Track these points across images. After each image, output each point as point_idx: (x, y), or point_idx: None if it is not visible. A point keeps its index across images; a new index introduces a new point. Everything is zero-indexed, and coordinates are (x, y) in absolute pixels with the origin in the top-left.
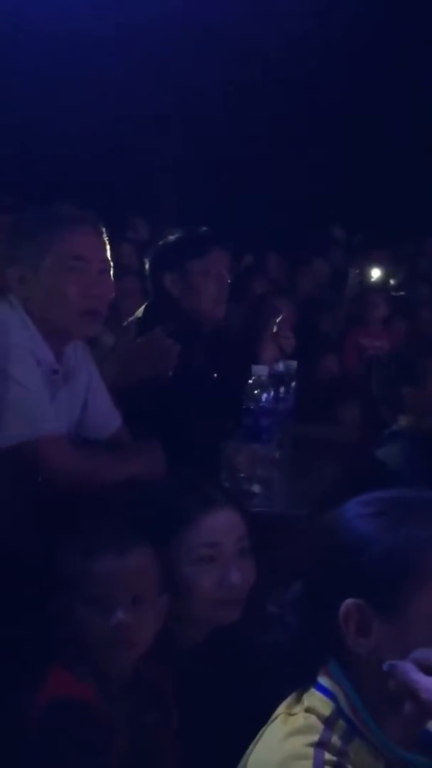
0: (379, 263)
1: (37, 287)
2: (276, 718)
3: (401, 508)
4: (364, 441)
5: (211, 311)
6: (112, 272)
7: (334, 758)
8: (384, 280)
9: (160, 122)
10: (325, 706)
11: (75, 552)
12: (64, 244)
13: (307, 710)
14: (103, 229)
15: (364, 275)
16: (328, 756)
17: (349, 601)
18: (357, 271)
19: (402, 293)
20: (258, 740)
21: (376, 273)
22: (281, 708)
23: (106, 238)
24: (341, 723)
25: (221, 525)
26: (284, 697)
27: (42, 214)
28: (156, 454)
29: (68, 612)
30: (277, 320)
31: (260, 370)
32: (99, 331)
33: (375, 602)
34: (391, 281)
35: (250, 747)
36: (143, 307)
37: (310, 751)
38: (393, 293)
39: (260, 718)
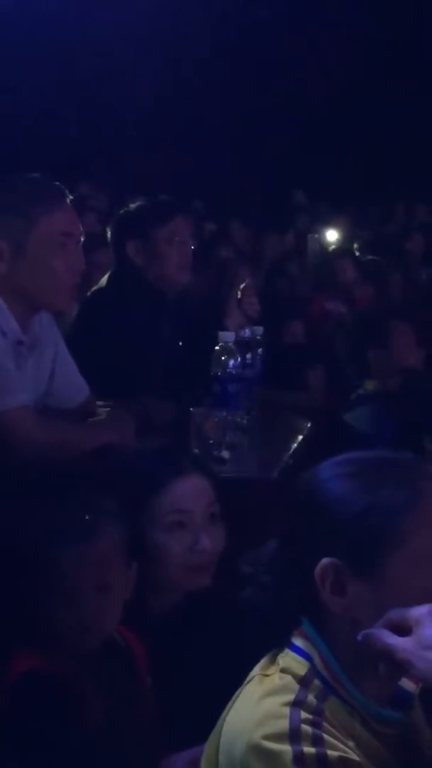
0: (341, 227)
1: (22, 262)
2: (251, 679)
3: (378, 469)
4: (332, 405)
5: (175, 278)
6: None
7: (310, 716)
8: (347, 244)
9: (124, 90)
10: (299, 666)
11: (39, 539)
12: (53, 219)
13: (282, 671)
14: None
15: (325, 239)
16: (304, 714)
17: (325, 560)
18: (316, 235)
19: (371, 257)
20: (234, 701)
21: (333, 236)
22: (256, 669)
23: None
24: (316, 682)
25: (191, 491)
26: (259, 659)
27: (23, 186)
28: (125, 423)
29: (34, 600)
30: (241, 287)
31: (226, 337)
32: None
33: (351, 562)
34: (354, 245)
35: (227, 708)
36: (106, 276)
37: (286, 710)
38: (361, 257)
39: (236, 680)
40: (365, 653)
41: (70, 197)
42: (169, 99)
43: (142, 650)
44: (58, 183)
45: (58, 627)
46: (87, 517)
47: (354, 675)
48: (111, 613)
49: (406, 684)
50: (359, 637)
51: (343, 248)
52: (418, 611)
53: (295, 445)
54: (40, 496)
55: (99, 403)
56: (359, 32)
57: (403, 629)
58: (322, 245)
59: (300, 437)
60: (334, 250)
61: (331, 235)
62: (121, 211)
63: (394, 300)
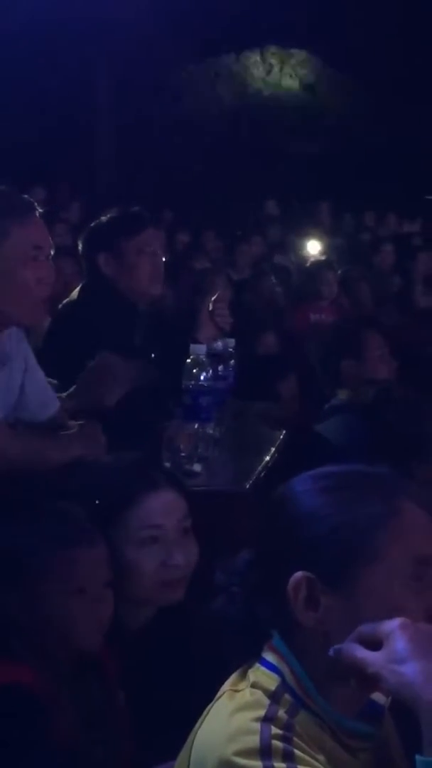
0: (315, 237)
1: None
2: (222, 695)
3: (352, 483)
4: (304, 416)
5: (147, 290)
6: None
7: (281, 732)
8: (323, 254)
9: (95, 102)
10: (270, 681)
11: (16, 545)
12: (24, 232)
13: (253, 686)
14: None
15: (300, 251)
16: (275, 730)
17: (298, 573)
18: (289, 243)
19: (346, 268)
20: (205, 717)
21: (308, 246)
22: (227, 685)
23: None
24: (287, 697)
25: (163, 506)
26: (230, 674)
27: None
28: (96, 436)
29: (9, 606)
30: (213, 298)
31: (198, 349)
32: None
33: (324, 576)
34: (321, 254)
35: (197, 724)
36: (78, 288)
37: (257, 726)
38: (336, 267)
39: (207, 695)
40: (336, 667)
41: (40, 210)
42: (142, 111)
43: (114, 664)
44: (23, 196)
45: (35, 634)
46: (67, 527)
47: (324, 688)
48: (88, 622)
49: (377, 697)
50: (330, 652)
51: (325, 260)
52: (389, 625)
53: (268, 456)
54: (17, 505)
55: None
56: (340, 42)
57: (374, 643)
58: (295, 258)
59: (272, 449)
60: (314, 261)
61: (312, 247)
62: (92, 223)
63: (368, 311)
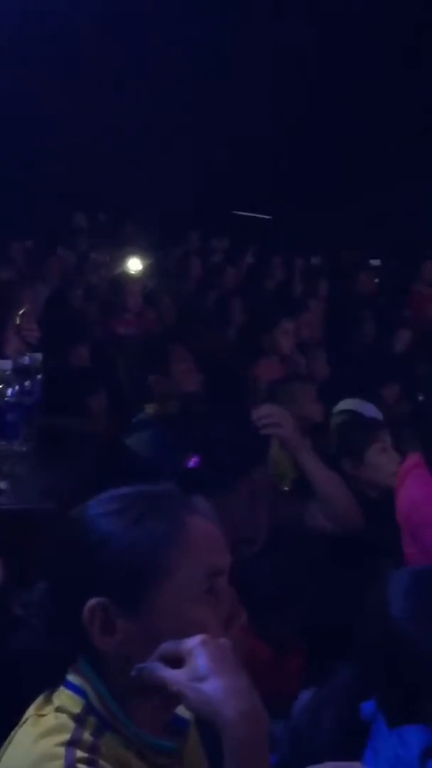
0: (127, 251)
1: None
2: (26, 720)
3: (140, 504)
4: (114, 430)
5: None
6: None
7: (86, 755)
8: (129, 267)
9: None
10: (75, 704)
11: None
12: None
13: (58, 709)
14: None
15: (110, 262)
16: (79, 754)
17: (91, 601)
18: (98, 255)
19: (153, 282)
20: (8, 744)
21: (133, 264)
22: (31, 710)
23: None
24: (92, 719)
25: None
26: (34, 699)
27: None
28: None
29: None
30: (20, 312)
31: (3, 365)
32: None
33: (118, 600)
34: (131, 268)
35: (1, 751)
36: None
37: (61, 750)
38: (144, 282)
39: (11, 720)
40: (140, 686)
41: None
42: None
43: None
44: None
45: None
46: None
47: (129, 707)
48: None
49: (183, 712)
50: (133, 672)
51: (131, 273)
52: (190, 643)
53: (77, 472)
54: None
55: None
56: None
57: (177, 661)
58: (103, 271)
59: (82, 464)
60: (120, 274)
61: (120, 260)
62: None
63: (174, 325)
